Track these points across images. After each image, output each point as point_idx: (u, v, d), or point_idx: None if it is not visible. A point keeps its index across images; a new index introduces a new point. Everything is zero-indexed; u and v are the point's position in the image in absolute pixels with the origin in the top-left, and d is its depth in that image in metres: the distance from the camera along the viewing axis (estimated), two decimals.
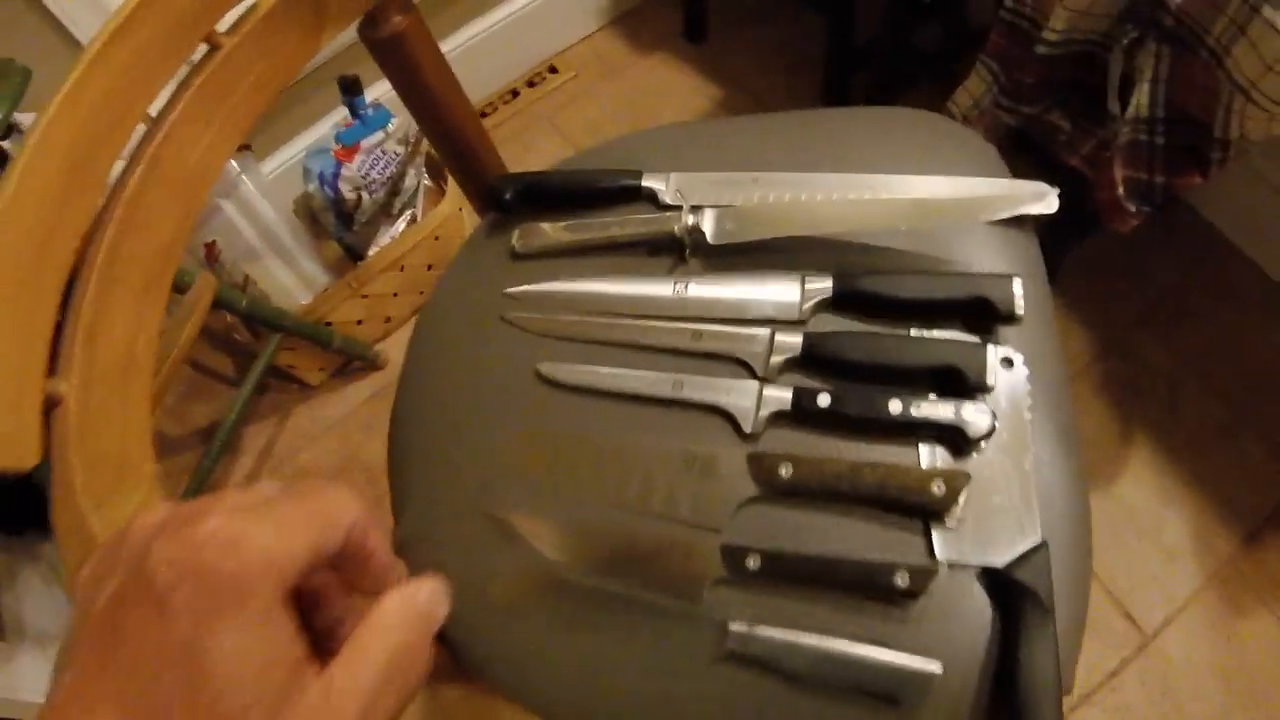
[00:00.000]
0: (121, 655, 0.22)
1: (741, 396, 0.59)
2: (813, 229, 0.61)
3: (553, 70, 1.81)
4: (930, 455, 0.57)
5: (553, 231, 0.67)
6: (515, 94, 1.79)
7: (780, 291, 0.61)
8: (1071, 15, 0.88)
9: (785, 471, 0.55)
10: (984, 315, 0.60)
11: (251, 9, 0.55)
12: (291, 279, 1.41)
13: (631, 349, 0.62)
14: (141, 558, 0.23)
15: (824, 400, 0.57)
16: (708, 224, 0.63)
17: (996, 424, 0.57)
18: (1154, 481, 1.24)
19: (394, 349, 1.55)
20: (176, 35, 0.52)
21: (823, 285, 0.61)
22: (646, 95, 1.79)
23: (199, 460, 1.23)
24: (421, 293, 1.52)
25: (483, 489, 0.61)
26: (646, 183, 0.68)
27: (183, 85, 0.54)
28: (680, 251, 0.64)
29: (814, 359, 0.59)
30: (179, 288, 1.04)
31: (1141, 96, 0.87)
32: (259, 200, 1.33)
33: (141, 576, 0.23)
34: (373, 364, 1.50)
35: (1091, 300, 1.39)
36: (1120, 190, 0.92)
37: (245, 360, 1.58)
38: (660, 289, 0.63)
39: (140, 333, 0.53)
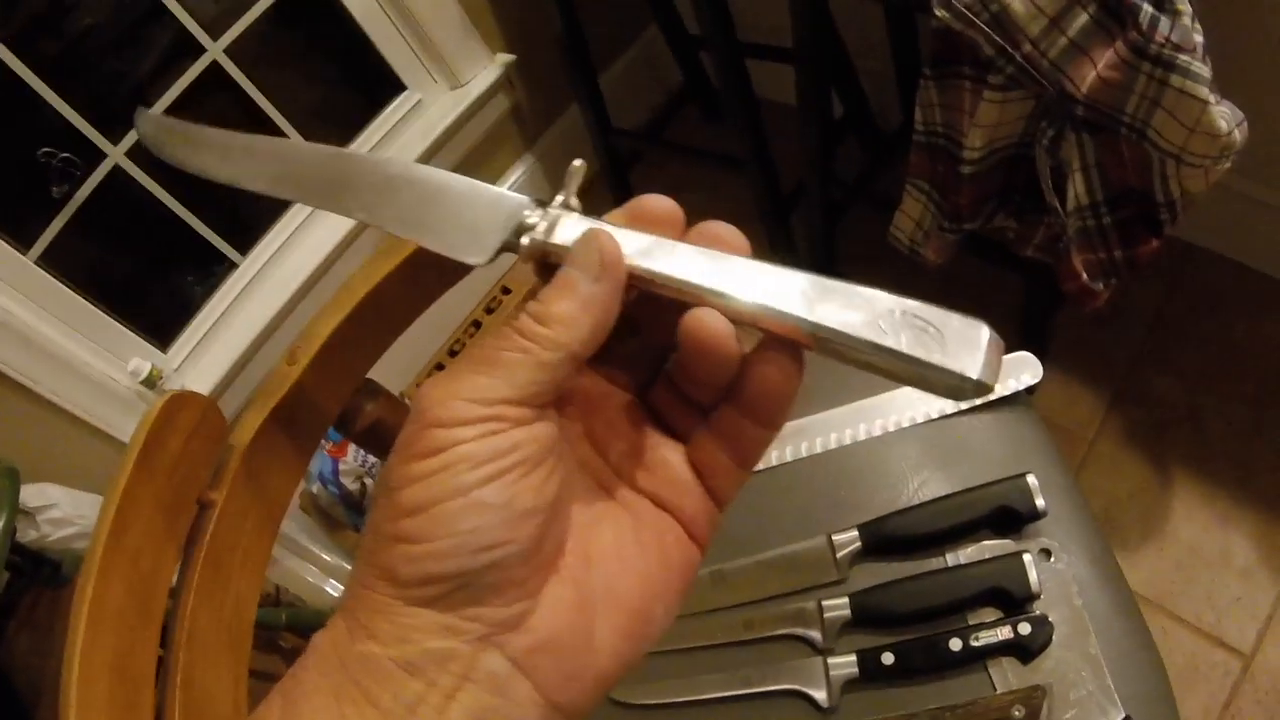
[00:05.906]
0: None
1: (811, 675, 0.59)
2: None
3: (506, 291, 1.79)
4: (1001, 674, 0.57)
5: None
6: (478, 325, 1.78)
7: (811, 556, 0.62)
8: (986, 130, 0.90)
9: None
10: (1011, 519, 0.60)
11: (228, 460, 0.56)
12: (318, 575, 1.40)
13: (683, 652, 0.62)
14: None
15: (888, 659, 0.57)
16: None
17: (1053, 625, 0.57)
18: (1206, 509, 1.22)
19: None
20: (172, 506, 0.53)
21: (849, 538, 0.61)
22: None
23: None
24: None
25: None
26: None
27: (185, 557, 0.55)
28: None
29: (865, 618, 0.59)
30: None
31: (1078, 186, 0.88)
32: None
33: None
34: None
35: (1088, 354, 1.39)
36: (1084, 277, 0.93)
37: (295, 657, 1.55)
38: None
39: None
